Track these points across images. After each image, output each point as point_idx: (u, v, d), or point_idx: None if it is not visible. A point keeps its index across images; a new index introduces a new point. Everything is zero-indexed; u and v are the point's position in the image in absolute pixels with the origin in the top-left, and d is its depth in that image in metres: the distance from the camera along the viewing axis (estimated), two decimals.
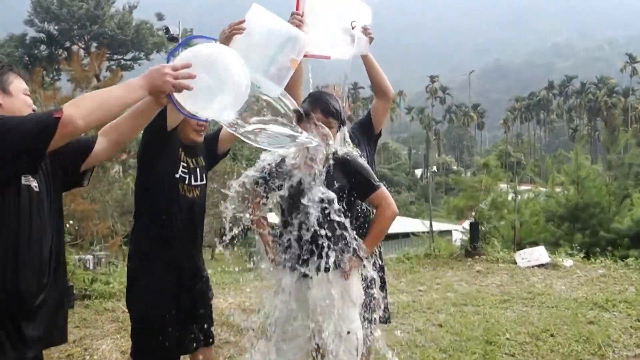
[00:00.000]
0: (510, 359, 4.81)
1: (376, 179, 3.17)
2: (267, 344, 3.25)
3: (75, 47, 51.57)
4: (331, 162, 3.08)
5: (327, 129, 3.03)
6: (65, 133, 1.96)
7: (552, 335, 5.42)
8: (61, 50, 52.21)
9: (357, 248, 3.11)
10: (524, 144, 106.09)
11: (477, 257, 9.59)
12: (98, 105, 2.04)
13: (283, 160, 3.18)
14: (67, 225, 8.06)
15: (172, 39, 10.09)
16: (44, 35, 51.52)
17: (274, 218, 3.41)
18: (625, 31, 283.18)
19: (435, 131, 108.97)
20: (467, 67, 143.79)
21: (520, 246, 11.32)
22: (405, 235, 15.73)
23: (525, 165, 62.72)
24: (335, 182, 3.05)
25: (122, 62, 50.25)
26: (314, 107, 3.03)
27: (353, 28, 3.43)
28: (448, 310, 6.39)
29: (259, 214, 3.31)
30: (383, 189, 3.14)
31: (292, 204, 3.11)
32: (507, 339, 5.30)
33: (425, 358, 4.76)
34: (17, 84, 2.34)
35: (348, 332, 3.09)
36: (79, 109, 1.98)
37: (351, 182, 3.10)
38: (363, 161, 3.20)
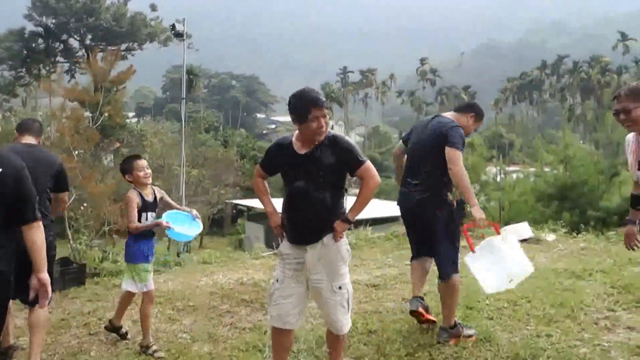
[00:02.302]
0: (488, 322, 5.23)
1: (362, 154, 3.71)
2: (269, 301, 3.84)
3: (71, 40, 52.19)
4: (323, 142, 3.62)
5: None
6: None
7: (529, 301, 5.82)
8: (58, 43, 52.75)
9: (345, 215, 3.72)
10: (516, 125, 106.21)
11: (462, 233, 9.96)
12: None
13: (283, 143, 3.77)
14: (82, 208, 8.59)
15: (178, 35, 10.56)
16: (41, 29, 51.92)
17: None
18: (620, 8, 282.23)
19: (426, 113, 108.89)
20: (460, 48, 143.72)
21: (507, 225, 11.65)
22: (395, 219, 16.11)
23: (515, 146, 63.15)
24: (327, 159, 3.60)
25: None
26: (310, 107, 3.51)
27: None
28: (432, 281, 6.82)
29: (261, 182, 3.96)
30: (368, 163, 3.69)
31: (290, 180, 3.71)
32: (487, 304, 5.74)
33: (409, 321, 5.21)
34: None
35: (340, 287, 3.71)
36: None
37: (340, 159, 3.64)
38: (349, 140, 3.76)
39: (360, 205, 3.74)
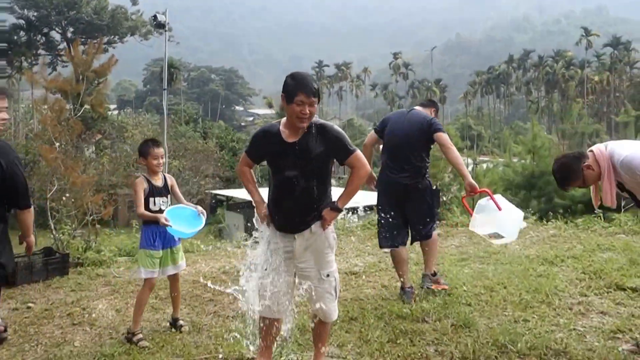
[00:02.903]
0: (467, 308, 5.17)
1: (351, 143, 3.56)
2: (256, 295, 3.70)
3: (53, 33, 51.24)
4: (312, 131, 3.48)
5: None
6: None
7: (505, 287, 5.80)
8: (39, 36, 51.74)
9: (334, 203, 3.59)
10: (484, 117, 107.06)
11: (437, 222, 9.95)
12: None
13: (271, 130, 3.59)
14: (64, 198, 8.33)
15: (159, 25, 10.28)
16: (23, 22, 50.82)
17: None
18: (582, 4, 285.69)
19: (399, 106, 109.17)
20: (430, 43, 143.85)
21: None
22: (370, 207, 16.08)
23: (483, 137, 63.72)
24: (315, 147, 3.45)
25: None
26: (298, 90, 3.36)
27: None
28: (410, 268, 6.78)
29: (248, 171, 3.79)
30: (358, 152, 3.56)
31: (278, 168, 3.56)
32: (464, 290, 5.70)
33: (390, 308, 5.13)
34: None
35: (328, 275, 3.61)
36: None
37: (329, 148, 3.49)
38: (338, 128, 3.60)
39: (349, 193, 3.61)
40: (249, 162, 3.77)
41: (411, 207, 5.58)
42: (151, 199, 4.68)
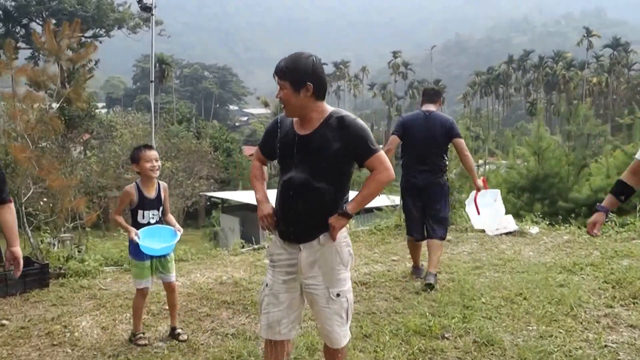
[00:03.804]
0: (487, 322, 4.84)
1: (374, 142, 3.07)
2: (259, 309, 3.30)
3: (34, 25, 50.01)
4: (330, 123, 3.03)
5: None
6: None
7: (525, 298, 5.49)
8: (19, 28, 50.61)
9: (343, 208, 3.10)
10: (482, 118, 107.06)
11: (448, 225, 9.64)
12: None
13: (284, 121, 3.18)
14: (42, 203, 7.85)
15: (146, 8, 9.89)
16: (0, 12, 49.73)
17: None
18: (581, 6, 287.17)
19: (397, 107, 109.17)
20: (430, 43, 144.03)
21: None
22: (369, 210, 15.79)
23: (484, 139, 63.62)
24: (331, 144, 3.00)
25: (83, 39, 48.71)
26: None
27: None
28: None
29: (257, 166, 3.41)
30: (381, 153, 3.06)
31: (286, 164, 3.13)
32: (483, 303, 5.37)
33: (406, 323, 4.77)
34: None
35: (338, 295, 3.12)
36: None
37: (348, 145, 3.02)
38: (361, 123, 3.09)
39: (364, 198, 3.10)
40: (261, 157, 3.39)
41: (430, 203, 6.18)
42: (140, 212, 4.49)
